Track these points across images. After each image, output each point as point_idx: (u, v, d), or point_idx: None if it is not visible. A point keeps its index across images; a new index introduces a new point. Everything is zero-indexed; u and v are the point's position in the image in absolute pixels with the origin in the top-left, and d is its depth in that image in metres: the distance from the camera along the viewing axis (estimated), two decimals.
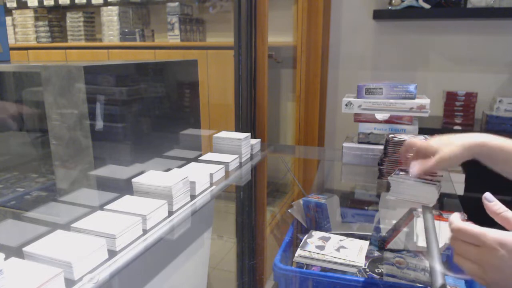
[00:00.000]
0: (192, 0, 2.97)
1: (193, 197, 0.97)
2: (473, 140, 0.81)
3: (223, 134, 1.32)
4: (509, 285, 0.53)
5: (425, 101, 1.23)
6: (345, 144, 1.33)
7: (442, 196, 0.88)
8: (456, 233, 0.58)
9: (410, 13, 2.10)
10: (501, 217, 0.58)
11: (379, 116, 1.29)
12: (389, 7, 2.13)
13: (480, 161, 0.83)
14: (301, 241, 0.96)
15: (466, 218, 0.60)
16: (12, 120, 1.27)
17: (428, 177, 0.95)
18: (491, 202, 0.59)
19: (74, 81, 0.89)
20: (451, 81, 2.28)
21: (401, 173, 0.97)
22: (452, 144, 0.82)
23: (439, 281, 0.62)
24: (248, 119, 1.70)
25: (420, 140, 0.89)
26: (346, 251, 0.91)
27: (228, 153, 1.26)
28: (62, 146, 0.95)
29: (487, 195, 0.60)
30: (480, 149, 0.80)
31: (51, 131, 0.95)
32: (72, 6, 3.19)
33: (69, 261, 0.61)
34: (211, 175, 1.07)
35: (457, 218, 0.59)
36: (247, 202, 1.29)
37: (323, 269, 0.90)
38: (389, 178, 0.94)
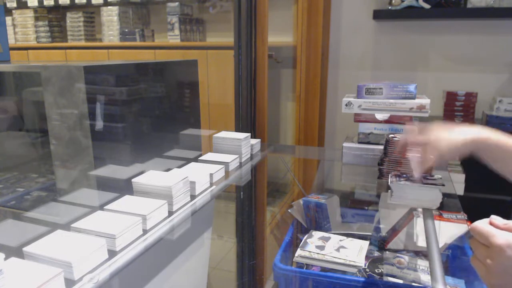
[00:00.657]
0: (192, 0, 2.97)
1: (193, 197, 0.97)
2: (475, 135, 0.76)
3: (223, 134, 1.32)
4: None
5: (425, 101, 1.23)
6: (345, 144, 1.33)
7: (442, 196, 0.88)
8: (472, 231, 0.59)
9: (410, 13, 2.10)
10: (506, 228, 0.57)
11: (379, 116, 1.29)
12: (389, 7, 2.13)
13: (479, 157, 0.79)
14: (301, 241, 0.96)
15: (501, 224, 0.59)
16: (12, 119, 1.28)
17: (429, 180, 0.94)
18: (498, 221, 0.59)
19: (74, 81, 0.89)
20: (451, 81, 2.27)
21: (401, 178, 0.96)
22: (451, 137, 0.78)
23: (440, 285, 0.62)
24: (248, 119, 1.70)
25: (418, 138, 0.84)
26: (346, 251, 0.91)
27: (228, 153, 1.26)
28: (62, 146, 0.95)
29: (493, 218, 0.59)
30: (481, 145, 0.76)
31: (51, 131, 0.95)
32: (72, 6, 3.19)
33: (69, 261, 0.61)
34: (211, 175, 1.07)
35: (482, 220, 0.59)
36: (247, 202, 1.29)
37: (323, 269, 0.90)
38: (389, 183, 0.94)
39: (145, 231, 0.79)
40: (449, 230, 0.95)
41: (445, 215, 0.99)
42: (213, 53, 2.60)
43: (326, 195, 1.12)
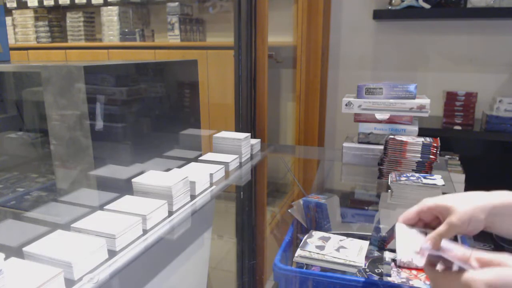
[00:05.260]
0: (192, 0, 2.97)
1: (193, 197, 0.97)
2: (496, 201, 0.60)
3: (223, 134, 1.32)
4: None
5: (425, 101, 1.23)
6: (345, 144, 1.33)
7: None
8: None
9: (410, 13, 2.10)
10: (474, 260, 0.50)
11: (379, 116, 1.29)
12: (389, 7, 2.13)
13: (494, 232, 0.62)
14: (301, 241, 0.96)
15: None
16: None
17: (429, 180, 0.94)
18: (452, 250, 0.51)
19: (74, 81, 0.89)
20: (451, 81, 2.27)
21: (402, 177, 0.96)
22: (468, 204, 0.61)
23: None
24: (248, 119, 1.70)
25: (434, 202, 0.65)
26: (346, 251, 0.91)
27: (228, 153, 1.26)
28: (62, 146, 0.95)
29: (444, 243, 0.53)
30: (503, 210, 0.60)
31: (51, 131, 0.95)
32: (72, 6, 3.19)
33: (69, 261, 0.61)
34: (211, 175, 1.07)
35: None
36: (247, 202, 1.29)
37: (323, 269, 0.90)
38: (389, 183, 0.94)
39: (145, 231, 0.79)
40: None
41: None
42: (213, 53, 2.60)
43: (326, 195, 1.11)
